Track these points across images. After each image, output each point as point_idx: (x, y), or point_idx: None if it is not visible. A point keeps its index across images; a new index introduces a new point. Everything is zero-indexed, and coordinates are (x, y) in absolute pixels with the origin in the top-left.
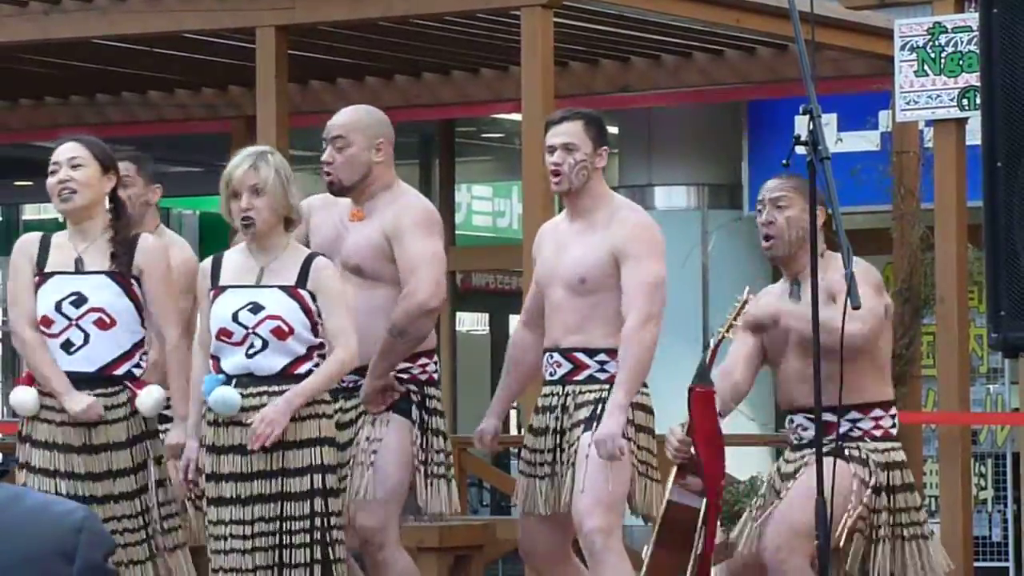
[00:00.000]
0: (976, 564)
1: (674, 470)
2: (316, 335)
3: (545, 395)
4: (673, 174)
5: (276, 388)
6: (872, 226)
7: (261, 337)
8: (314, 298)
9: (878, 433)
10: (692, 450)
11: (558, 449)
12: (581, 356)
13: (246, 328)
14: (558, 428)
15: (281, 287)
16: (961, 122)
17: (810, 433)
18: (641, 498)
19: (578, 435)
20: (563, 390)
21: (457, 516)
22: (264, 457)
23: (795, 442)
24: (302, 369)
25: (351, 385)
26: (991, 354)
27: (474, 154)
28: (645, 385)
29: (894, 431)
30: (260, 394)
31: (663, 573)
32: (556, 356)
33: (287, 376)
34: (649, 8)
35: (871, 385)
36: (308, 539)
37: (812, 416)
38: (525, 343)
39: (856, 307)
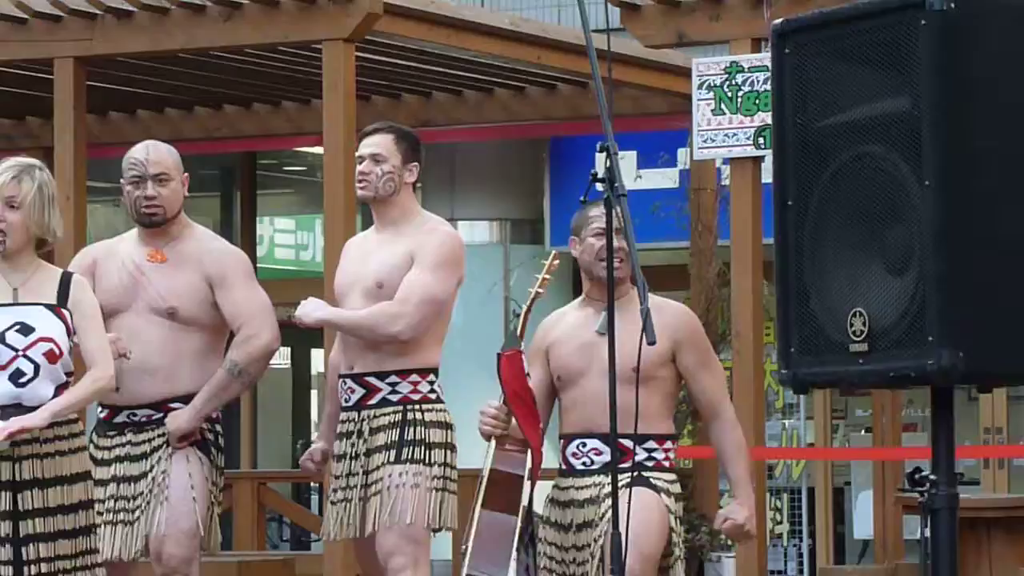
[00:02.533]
0: None
1: (493, 442)
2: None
3: (343, 421)
4: (475, 209)
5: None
6: (670, 262)
7: (33, 361)
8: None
9: (667, 464)
10: (511, 420)
11: (361, 473)
12: (372, 380)
13: (15, 350)
14: (355, 454)
15: (45, 305)
16: (757, 160)
17: (605, 458)
18: (437, 512)
19: (380, 462)
20: (359, 416)
21: (256, 551)
22: (37, 495)
23: (581, 467)
24: None
25: (144, 420)
26: (786, 389)
27: (276, 187)
28: (442, 401)
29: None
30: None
31: (491, 534)
32: (350, 382)
33: None
34: (451, 44)
35: (667, 416)
36: None
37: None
38: (341, 368)
39: (651, 343)
